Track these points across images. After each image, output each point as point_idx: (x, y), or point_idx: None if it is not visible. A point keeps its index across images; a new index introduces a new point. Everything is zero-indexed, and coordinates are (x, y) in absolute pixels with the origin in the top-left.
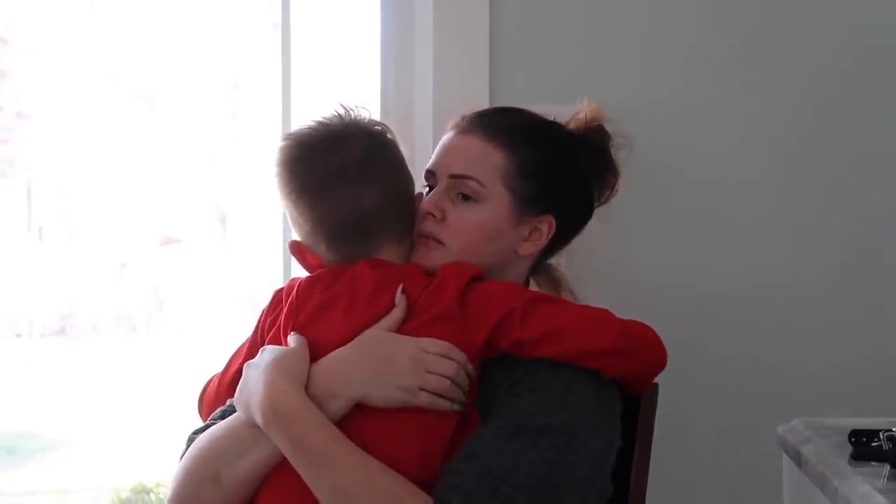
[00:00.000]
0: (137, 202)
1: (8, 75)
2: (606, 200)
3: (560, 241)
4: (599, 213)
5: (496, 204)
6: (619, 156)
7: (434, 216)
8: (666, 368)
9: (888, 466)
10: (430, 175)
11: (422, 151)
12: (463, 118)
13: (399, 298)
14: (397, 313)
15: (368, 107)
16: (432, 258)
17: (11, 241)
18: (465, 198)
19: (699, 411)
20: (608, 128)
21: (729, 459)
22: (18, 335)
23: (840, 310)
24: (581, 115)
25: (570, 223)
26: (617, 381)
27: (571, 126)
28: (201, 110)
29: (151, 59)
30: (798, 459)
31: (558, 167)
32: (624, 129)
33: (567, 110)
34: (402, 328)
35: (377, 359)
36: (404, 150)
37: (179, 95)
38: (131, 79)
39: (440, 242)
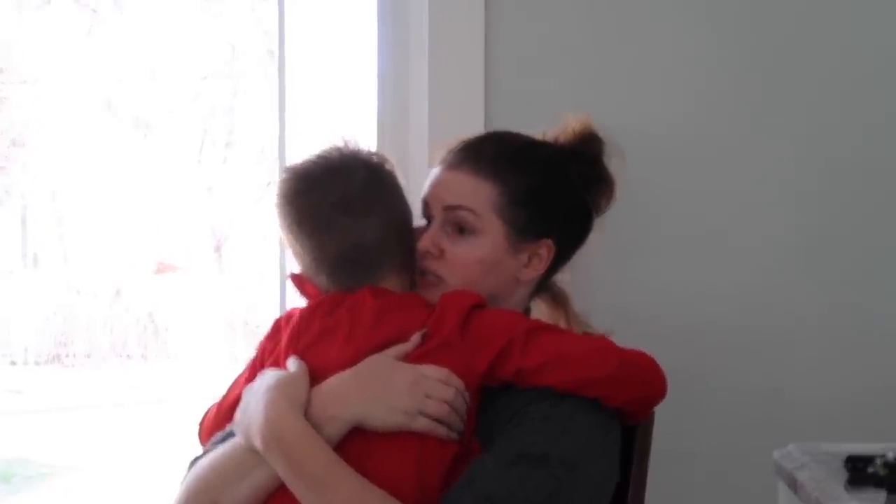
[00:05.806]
0: (133, 230)
1: (3, 103)
2: (605, 210)
3: (562, 259)
4: (599, 224)
5: (492, 236)
6: (612, 164)
7: (432, 254)
8: None
9: (885, 492)
10: (426, 206)
11: (418, 180)
12: (449, 152)
13: (416, 338)
14: (407, 347)
15: (364, 135)
16: (434, 295)
17: (6, 268)
18: (461, 231)
19: (695, 437)
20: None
21: (725, 485)
22: (13, 363)
23: (836, 334)
24: (569, 129)
25: (570, 241)
26: (618, 411)
27: (561, 140)
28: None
29: (147, 87)
30: (794, 485)
31: (550, 189)
32: (611, 137)
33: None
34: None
35: (376, 382)
36: (402, 179)
37: (175, 123)
38: (126, 107)
39: (440, 278)
